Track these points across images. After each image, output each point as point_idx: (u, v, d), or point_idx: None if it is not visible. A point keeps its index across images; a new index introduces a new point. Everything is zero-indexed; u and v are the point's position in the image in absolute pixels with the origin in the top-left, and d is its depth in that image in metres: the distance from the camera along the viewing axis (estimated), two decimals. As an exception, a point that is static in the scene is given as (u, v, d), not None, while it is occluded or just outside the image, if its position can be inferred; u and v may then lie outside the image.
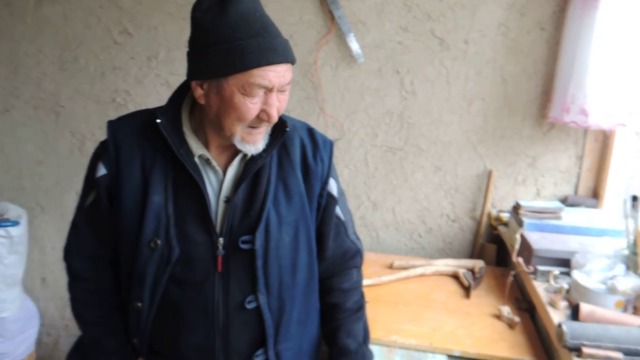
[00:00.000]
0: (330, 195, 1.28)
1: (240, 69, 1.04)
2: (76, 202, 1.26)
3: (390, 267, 2.16)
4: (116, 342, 1.26)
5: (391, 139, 2.34)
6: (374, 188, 2.40)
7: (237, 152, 1.18)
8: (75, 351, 1.35)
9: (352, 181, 2.41)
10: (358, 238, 1.37)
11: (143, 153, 1.16)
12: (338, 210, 1.30)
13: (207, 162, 1.17)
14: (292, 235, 1.21)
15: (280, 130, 1.18)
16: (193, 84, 1.11)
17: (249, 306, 1.18)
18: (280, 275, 1.20)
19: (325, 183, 1.27)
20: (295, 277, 1.22)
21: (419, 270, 2.11)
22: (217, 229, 1.17)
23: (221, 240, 1.16)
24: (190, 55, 1.11)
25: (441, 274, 2.14)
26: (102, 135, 2.59)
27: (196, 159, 1.16)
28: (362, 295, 1.38)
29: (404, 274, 2.08)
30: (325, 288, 1.33)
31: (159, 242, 1.14)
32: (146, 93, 2.45)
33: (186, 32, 2.31)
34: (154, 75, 2.43)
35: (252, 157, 1.17)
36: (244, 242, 1.17)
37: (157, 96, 2.45)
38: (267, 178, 1.19)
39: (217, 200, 1.18)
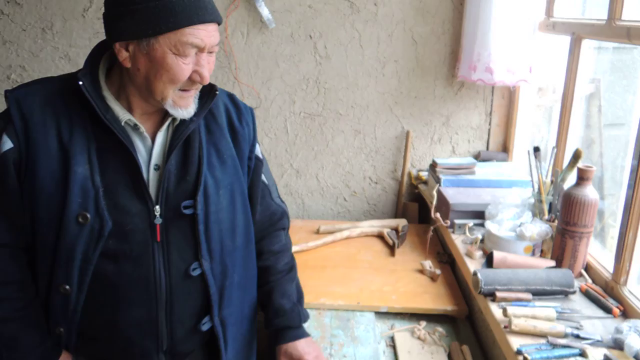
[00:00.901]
0: (257, 158, 1.29)
1: (172, 27, 1.00)
2: None
3: (317, 232, 2.18)
4: (35, 337, 1.14)
5: (309, 104, 2.33)
6: (295, 155, 2.39)
7: (163, 117, 1.14)
8: None
9: (274, 149, 2.39)
10: (283, 201, 1.38)
11: (58, 123, 1.07)
12: (262, 174, 1.31)
13: (134, 128, 1.11)
14: (229, 199, 1.19)
15: (210, 93, 1.15)
16: (117, 46, 1.03)
17: (194, 273, 1.15)
18: (222, 239, 1.18)
19: (252, 146, 1.27)
20: (234, 240, 1.21)
21: (345, 234, 2.15)
22: (153, 197, 1.12)
23: (157, 208, 1.11)
24: (111, 15, 1.03)
25: (367, 235, 2.19)
26: (-3, 117, 2.36)
27: (123, 125, 1.09)
28: (292, 257, 1.39)
29: (330, 238, 2.11)
30: (256, 252, 1.32)
31: (88, 215, 1.06)
32: (44, 68, 2.27)
33: (82, 1, 2.19)
34: (51, 48, 2.25)
35: (182, 122, 1.12)
36: (185, 208, 1.13)
37: (56, 70, 2.28)
38: (198, 142, 1.16)
39: (147, 168, 1.12)
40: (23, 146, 1.06)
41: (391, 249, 2.06)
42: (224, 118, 1.22)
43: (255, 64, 2.26)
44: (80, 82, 1.05)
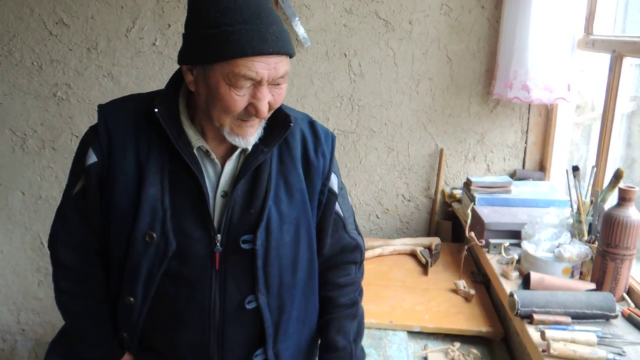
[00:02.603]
0: (331, 191, 1.22)
1: (224, 57, 0.97)
2: (63, 190, 1.21)
3: (349, 249, 2.17)
4: (102, 335, 1.20)
5: (343, 122, 2.34)
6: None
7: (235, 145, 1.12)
8: (57, 342, 1.28)
9: (307, 166, 2.40)
10: (359, 234, 1.31)
11: (137, 143, 1.09)
12: (337, 206, 1.25)
13: (206, 153, 1.11)
14: (293, 234, 1.16)
15: (284, 125, 1.11)
16: (184, 68, 1.05)
17: (249, 306, 1.14)
18: (281, 274, 1.15)
19: (326, 179, 1.21)
20: (295, 276, 1.18)
21: (377, 251, 2.14)
22: (215, 224, 1.11)
23: (219, 237, 1.10)
24: (184, 37, 1.05)
25: (399, 253, 2.18)
26: (44, 131, 2.48)
27: (195, 151, 1.10)
28: (359, 293, 1.31)
29: (362, 255, 2.10)
30: (321, 281, 1.27)
31: (154, 235, 1.08)
32: (88, 86, 2.36)
33: (125, 22, 2.28)
34: (95, 67, 2.34)
35: (253, 151, 1.10)
36: (244, 242, 1.11)
37: (100, 88, 2.36)
38: (267, 174, 1.13)
39: (214, 194, 1.12)
40: (105, 161, 1.10)
41: (424, 268, 2.04)
42: (299, 149, 1.17)
43: (290, 81, 2.30)
44: (156, 110, 1.06)
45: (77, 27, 2.30)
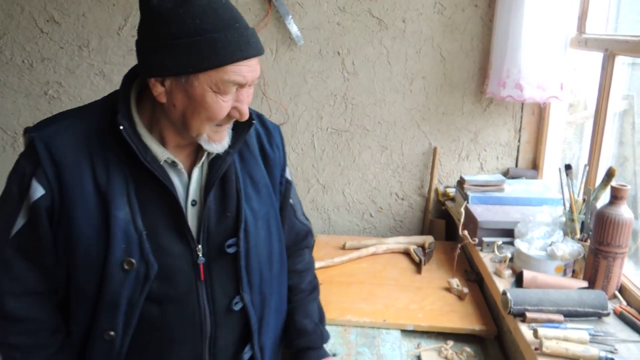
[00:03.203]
0: (287, 181, 1.26)
1: (214, 64, 0.94)
2: None
3: (343, 248, 2.17)
4: None
5: (336, 120, 2.34)
6: (322, 170, 2.40)
7: (197, 150, 1.10)
8: None
9: (300, 165, 2.40)
10: (307, 219, 1.36)
11: (92, 164, 1.01)
12: (290, 195, 1.29)
13: (172, 164, 1.07)
14: (266, 229, 1.16)
15: (246, 123, 1.10)
16: (152, 81, 0.97)
17: (236, 307, 1.13)
18: (260, 271, 1.16)
19: (283, 170, 1.24)
20: (272, 269, 1.19)
21: (371, 250, 2.14)
22: (194, 235, 1.08)
23: (199, 247, 1.08)
24: (147, 48, 0.97)
25: (393, 252, 2.18)
26: (34, 131, 2.44)
27: (162, 164, 1.05)
28: (315, 276, 1.37)
29: (356, 254, 2.10)
30: None
31: (133, 261, 1.02)
32: (80, 84, 2.34)
33: (117, 19, 2.26)
34: (87, 65, 2.32)
35: (217, 155, 1.08)
36: (229, 246, 1.10)
37: (91, 87, 2.35)
38: (234, 174, 1.12)
39: (185, 204, 1.08)
40: (56, 192, 1.00)
41: (417, 266, 2.04)
42: (255, 144, 1.19)
43: (284, 80, 2.29)
44: (121, 127, 0.99)
45: (68, 24, 2.28)
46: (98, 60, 2.32)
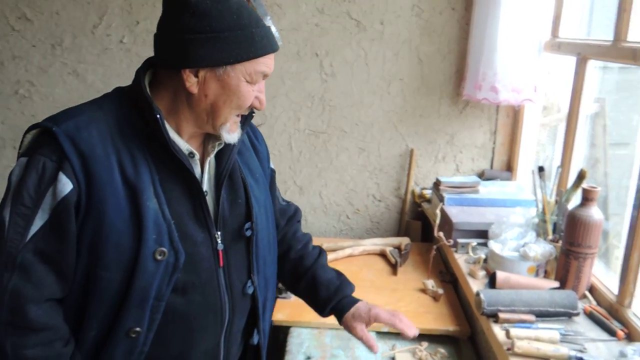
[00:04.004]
0: (272, 170, 1.34)
1: (252, 56, 1.02)
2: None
3: (319, 249, 2.17)
4: None
5: (314, 122, 2.34)
6: (299, 172, 2.40)
7: (206, 140, 1.13)
8: None
9: (277, 166, 2.38)
10: (285, 200, 1.43)
11: (119, 156, 1.01)
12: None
13: (189, 155, 1.09)
14: (265, 215, 1.22)
15: (247, 115, 1.15)
16: (186, 72, 1.01)
17: (249, 291, 1.18)
18: (264, 255, 1.22)
19: (268, 161, 1.32)
20: (271, 253, 1.26)
21: (347, 251, 2.14)
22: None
23: (218, 233, 1.12)
24: (182, 41, 1.00)
25: (369, 254, 2.18)
26: (5, 130, 2.41)
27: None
28: (314, 245, 1.43)
29: (332, 255, 2.10)
30: (286, 248, 1.36)
31: (165, 250, 1.02)
32: (52, 83, 2.30)
33: (91, 18, 2.23)
34: (60, 64, 2.28)
35: (226, 146, 1.13)
36: (247, 230, 1.16)
37: (65, 86, 2.31)
38: (238, 165, 1.18)
39: None
40: (84, 186, 0.98)
41: (393, 268, 2.05)
42: (246, 138, 1.25)
43: (261, 80, 2.28)
44: (158, 116, 1.02)
45: (41, 22, 2.24)
46: (72, 59, 2.28)
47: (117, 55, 2.28)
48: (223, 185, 1.12)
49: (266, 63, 1.05)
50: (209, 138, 1.13)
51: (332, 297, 1.31)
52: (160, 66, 1.07)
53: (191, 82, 1.02)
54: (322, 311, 1.33)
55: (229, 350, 1.19)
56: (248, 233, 1.16)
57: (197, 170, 1.10)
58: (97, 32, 2.26)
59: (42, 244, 0.98)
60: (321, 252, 1.40)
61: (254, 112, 1.16)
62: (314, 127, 2.35)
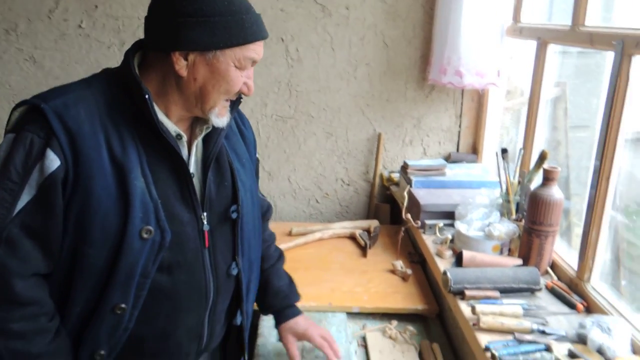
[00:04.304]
0: (257, 158, 1.38)
1: (242, 41, 1.04)
2: None
3: (289, 234, 2.18)
4: None
5: (281, 107, 2.33)
6: (267, 158, 2.39)
7: (194, 123, 1.15)
8: None
9: (246, 152, 2.37)
10: (261, 193, 1.46)
11: (107, 135, 1.02)
12: None
13: (177, 137, 1.11)
14: (251, 200, 1.25)
15: (236, 100, 1.17)
16: (176, 55, 1.02)
17: (233, 272, 1.21)
18: (249, 238, 1.25)
19: (255, 148, 1.35)
20: (255, 236, 1.29)
21: (317, 235, 2.16)
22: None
23: (204, 214, 1.14)
24: (175, 24, 1.01)
25: (339, 237, 2.20)
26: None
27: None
28: (277, 246, 1.50)
29: (302, 239, 2.11)
30: None
31: (151, 229, 1.04)
32: (8, 70, 2.22)
33: (47, 1, 2.15)
34: (15, 50, 2.20)
35: (213, 129, 1.15)
36: (232, 212, 1.19)
37: (21, 73, 2.23)
38: (225, 148, 1.20)
39: None
40: (70, 163, 0.99)
41: (363, 250, 2.07)
42: (233, 123, 1.27)
43: (227, 66, 2.25)
44: (147, 96, 1.03)
45: (-7, 6, 2.15)
46: (27, 45, 2.20)
47: (76, 41, 2.21)
48: (210, 167, 1.14)
49: (255, 50, 1.07)
50: (197, 121, 1.15)
51: (276, 305, 1.42)
52: (150, 48, 1.08)
53: (180, 65, 1.04)
54: (265, 311, 1.45)
55: (212, 330, 1.23)
56: (234, 215, 1.19)
57: (184, 152, 1.12)
58: (53, 17, 2.18)
59: (28, 219, 0.99)
60: (280, 256, 1.47)
61: (242, 98, 1.18)
62: (281, 112, 2.34)
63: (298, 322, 1.41)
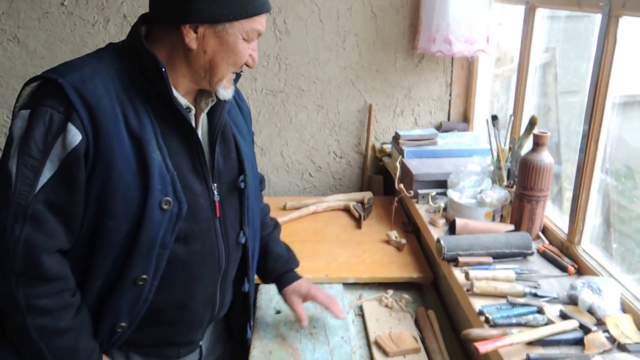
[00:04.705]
0: (252, 132, 1.40)
1: (250, 14, 1.06)
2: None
3: (284, 208, 2.19)
4: (89, 344, 1.09)
5: (271, 81, 2.31)
6: (259, 133, 2.38)
7: (198, 96, 1.17)
8: None
9: (237, 128, 2.37)
10: None
11: (123, 109, 1.03)
12: None
13: (187, 110, 1.13)
14: (252, 170, 1.29)
15: (238, 73, 1.19)
16: (186, 27, 1.04)
17: (242, 241, 1.26)
18: (253, 207, 1.30)
19: (251, 121, 1.38)
20: (257, 206, 1.35)
21: (311, 209, 2.17)
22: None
23: (215, 185, 1.17)
24: None
25: (333, 209, 2.21)
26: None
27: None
28: (271, 216, 1.55)
29: (297, 213, 2.13)
30: None
31: (170, 200, 1.07)
32: (-8, 51, 2.18)
33: (30, -20, 2.10)
34: (-2, 31, 2.16)
35: (217, 102, 1.17)
36: (241, 182, 1.22)
37: (5, 53, 2.19)
38: (228, 122, 1.23)
39: None
40: (91, 137, 0.99)
41: (357, 222, 2.09)
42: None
43: (214, 41, 2.23)
44: (163, 69, 1.04)
45: (-28, -14, 2.10)
46: (10, 25, 2.16)
47: (59, 19, 2.17)
48: (217, 140, 1.17)
49: (261, 22, 1.10)
50: (201, 95, 1.17)
51: (278, 269, 1.45)
52: (158, 22, 1.09)
53: (190, 37, 1.05)
54: (266, 279, 1.48)
55: (223, 298, 1.28)
56: (242, 185, 1.23)
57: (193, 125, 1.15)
58: (36, -5, 2.14)
59: (51, 195, 0.99)
60: (276, 225, 1.52)
61: (242, 71, 1.19)
62: (271, 86, 2.32)
63: (301, 284, 1.45)
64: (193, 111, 1.14)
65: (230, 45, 1.07)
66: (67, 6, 2.16)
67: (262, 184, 1.51)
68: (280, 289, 1.46)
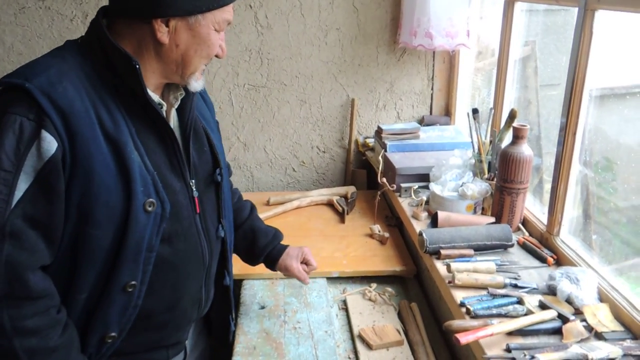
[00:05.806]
0: (217, 121, 1.37)
1: (221, 4, 1.05)
2: None
3: (267, 203, 2.18)
4: (81, 354, 1.06)
5: (253, 76, 2.30)
6: (242, 128, 2.37)
7: (165, 91, 1.14)
8: None
9: (220, 123, 2.34)
10: None
11: (96, 110, 0.99)
12: None
13: (158, 106, 1.09)
14: (223, 161, 1.28)
15: None
16: (158, 22, 1.00)
17: (221, 234, 1.26)
18: (227, 200, 1.30)
19: (214, 110, 1.37)
20: (230, 198, 1.34)
21: (295, 203, 2.17)
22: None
23: (192, 182, 1.15)
24: None
25: (317, 204, 2.22)
26: None
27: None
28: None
29: (280, 208, 2.13)
30: None
31: (154, 201, 1.04)
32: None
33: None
34: (-27, 26, 2.11)
35: (185, 95, 1.15)
36: (217, 175, 1.22)
37: (-19, 50, 2.15)
38: (196, 115, 1.20)
39: None
40: (67, 145, 0.94)
41: (341, 216, 2.10)
42: None
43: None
44: (137, 66, 1.01)
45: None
46: (-15, 20, 2.12)
47: (37, 14, 2.14)
48: (190, 135, 1.15)
49: (230, 11, 1.09)
50: (168, 89, 1.14)
51: (270, 243, 1.47)
52: (124, 16, 1.04)
53: (162, 32, 1.02)
54: (258, 258, 1.48)
55: (208, 294, 1.28)
56: (219, 179, 1.22)
57: None
58: (11, -10, 2.10)
59: (30, 209, 0.94)
60: (253, 205, 1.53)
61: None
62: (253, 81, 2.31)
63: (292, 249, 1.49)
64: (165, 107, 1.11)
65: (203, 37, 1.05)
66: (44, 1, 2.12)
67: (229, 169, 1.47)
68: (276, 260, 1.46)
